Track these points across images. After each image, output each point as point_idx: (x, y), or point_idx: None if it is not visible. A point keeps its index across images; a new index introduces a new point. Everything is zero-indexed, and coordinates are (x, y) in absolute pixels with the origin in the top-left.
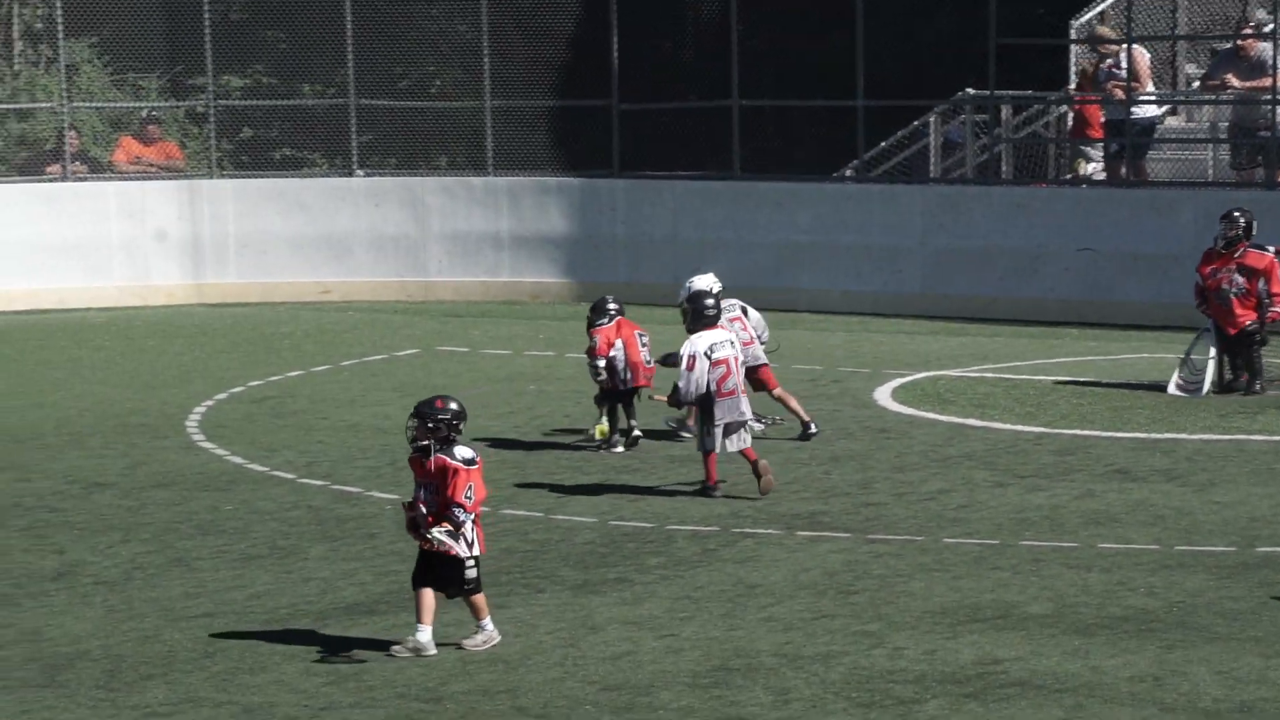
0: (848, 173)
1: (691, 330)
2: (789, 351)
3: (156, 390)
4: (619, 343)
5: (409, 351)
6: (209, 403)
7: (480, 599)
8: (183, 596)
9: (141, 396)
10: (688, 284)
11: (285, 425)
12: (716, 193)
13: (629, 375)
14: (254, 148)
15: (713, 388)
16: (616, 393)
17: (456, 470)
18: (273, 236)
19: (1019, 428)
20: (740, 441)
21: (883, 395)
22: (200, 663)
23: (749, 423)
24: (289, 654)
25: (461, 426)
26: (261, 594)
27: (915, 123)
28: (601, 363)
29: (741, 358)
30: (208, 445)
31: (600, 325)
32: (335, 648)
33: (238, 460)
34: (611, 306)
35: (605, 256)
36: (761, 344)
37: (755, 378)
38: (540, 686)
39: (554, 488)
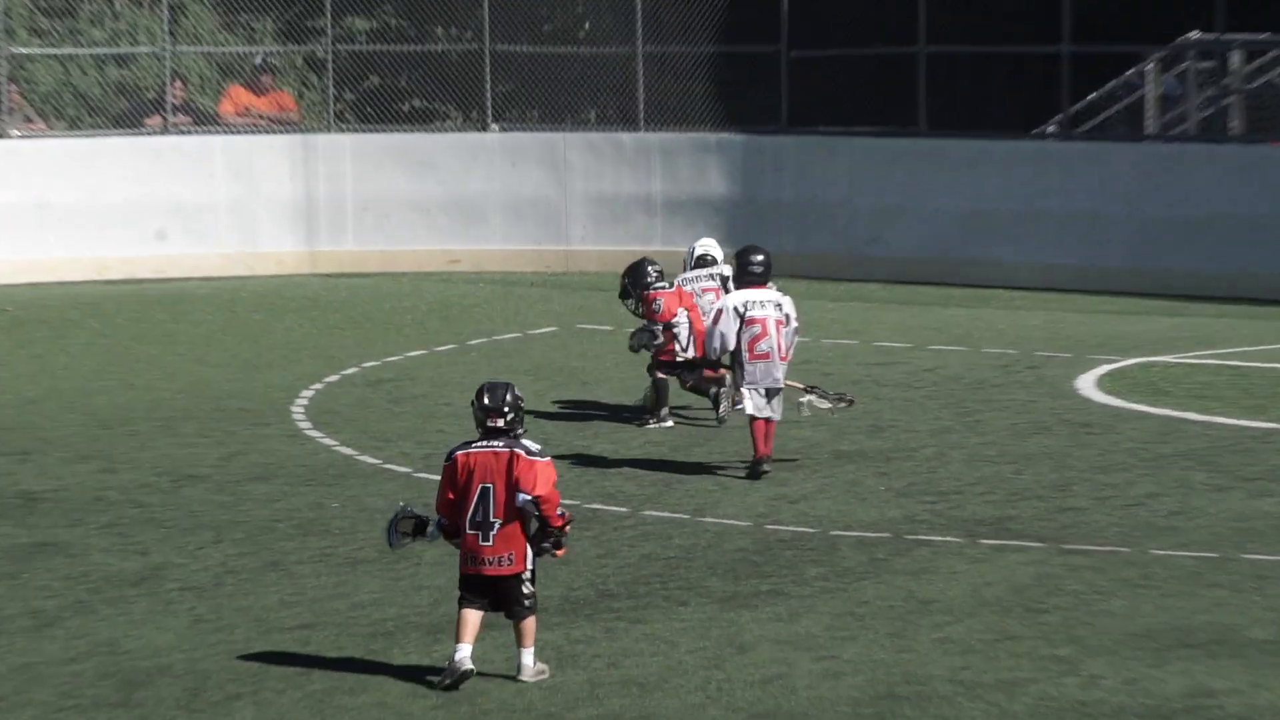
0: (1050, 129)
1: (737, 287)
2: (978, 332)
3: (260, 371)
4: (682, 311)
5: (546, 329)
6: (318, 385)
7: (467, 617)
8: (278, 605)
9: (243, 378)
10: (691, 247)
11: (403, 412)
12: (899, 151)
13: (691, 345)
14: (379, 99)
15: (743, 347)
16: (674, 364)
17: None
18: (396, 199)
19: (1245, 423)
20: (770, 411)
21: (1086, 384)
22: (295, 680)
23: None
24: (395, 672)
25: (485, 418)
26: (367, 604)
27: (1129, 72)
28: (660, 328)
29: (784, 331)
30: (315, 434)
31: (660, 289)
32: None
33: (347, 451)
34: (654, 270)
35: (770, 223)
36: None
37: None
38: (679, 713)
39: (703, 485)
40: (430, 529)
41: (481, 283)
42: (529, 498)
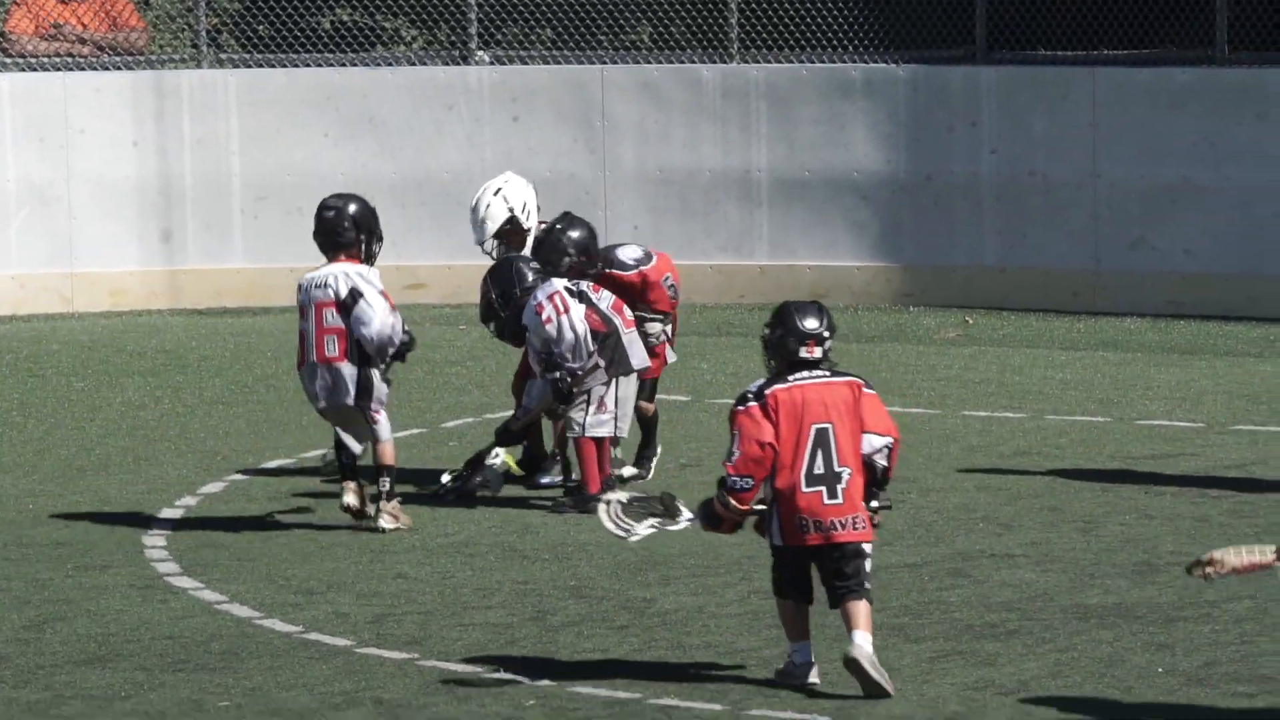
0: None
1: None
2: None
3: (89, 477)
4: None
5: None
6: (189, 501)
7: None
8: None
9: (59, 489)
10: (497, 193)
11: (337, 544)
12: (1181, 90)
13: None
14: (280, 9)
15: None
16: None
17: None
18: (314, 180)
19: None
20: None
21: None
22: None
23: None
24: None
25: (798, 346)
26: None
27: None
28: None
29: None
30: (185, 583)
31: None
32: None
33: (243, 612)
34: (531, 269)
35: (958, 214)
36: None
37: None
38: None
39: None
40: (684, 508)
41: (463, 323)
42: (887, 442)
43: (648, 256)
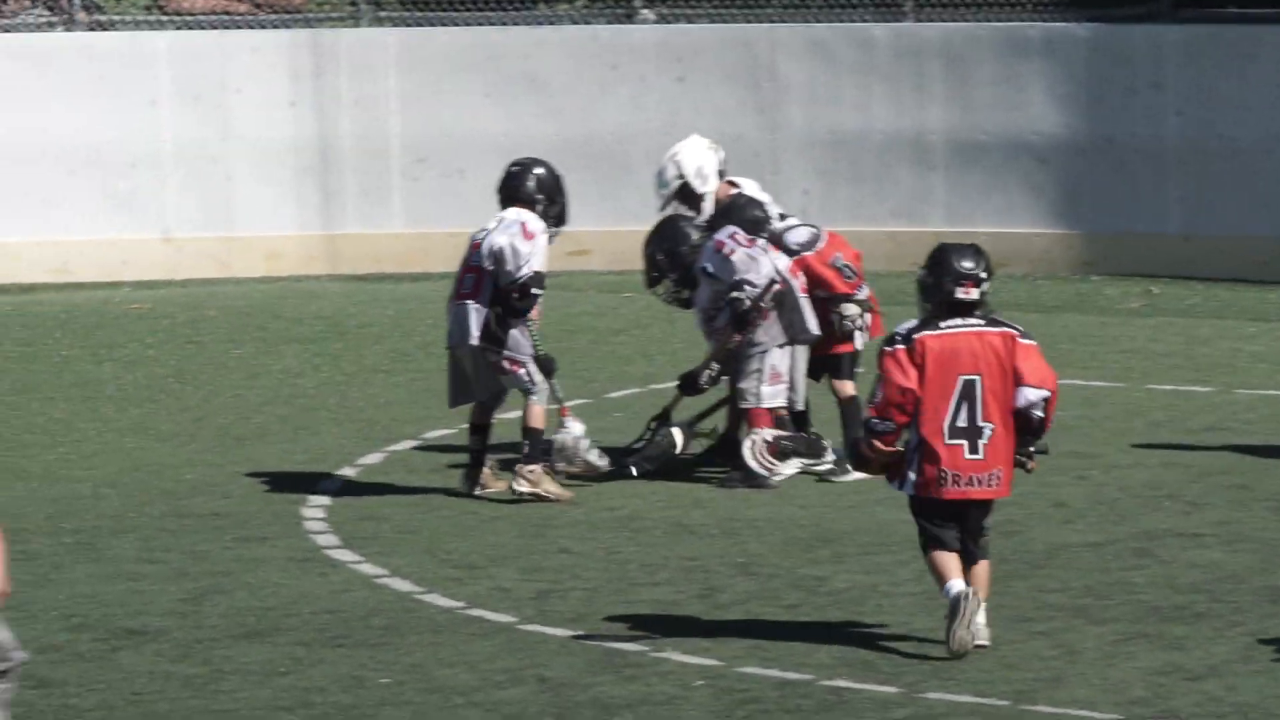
0: None
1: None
2: None
3: (247, 446)
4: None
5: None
6: (349, 471)
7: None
8: None
9: (217, 459)
10: (672, 157)
11: (498, 517)
12: None
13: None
14: None
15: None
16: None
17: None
18: (476, 142)
19: None
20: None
21: None
22: None
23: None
24: None
25: (955, 286)
26: None
27: None
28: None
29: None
30: (344, 556)
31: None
32: None
33: (403, 586)
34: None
35: (1141, 180)
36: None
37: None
38: None
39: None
40: (829, 448)
41: (628, 290)
42: (1044, 395)
43: (813, 240)
